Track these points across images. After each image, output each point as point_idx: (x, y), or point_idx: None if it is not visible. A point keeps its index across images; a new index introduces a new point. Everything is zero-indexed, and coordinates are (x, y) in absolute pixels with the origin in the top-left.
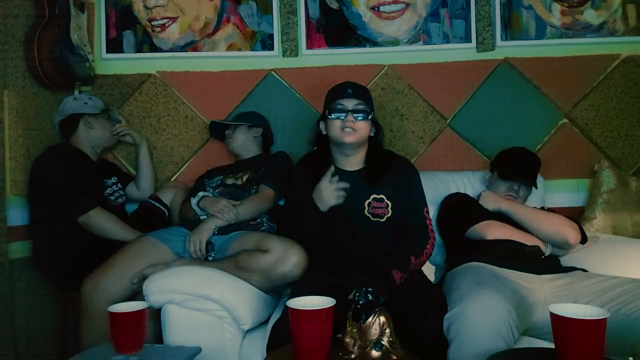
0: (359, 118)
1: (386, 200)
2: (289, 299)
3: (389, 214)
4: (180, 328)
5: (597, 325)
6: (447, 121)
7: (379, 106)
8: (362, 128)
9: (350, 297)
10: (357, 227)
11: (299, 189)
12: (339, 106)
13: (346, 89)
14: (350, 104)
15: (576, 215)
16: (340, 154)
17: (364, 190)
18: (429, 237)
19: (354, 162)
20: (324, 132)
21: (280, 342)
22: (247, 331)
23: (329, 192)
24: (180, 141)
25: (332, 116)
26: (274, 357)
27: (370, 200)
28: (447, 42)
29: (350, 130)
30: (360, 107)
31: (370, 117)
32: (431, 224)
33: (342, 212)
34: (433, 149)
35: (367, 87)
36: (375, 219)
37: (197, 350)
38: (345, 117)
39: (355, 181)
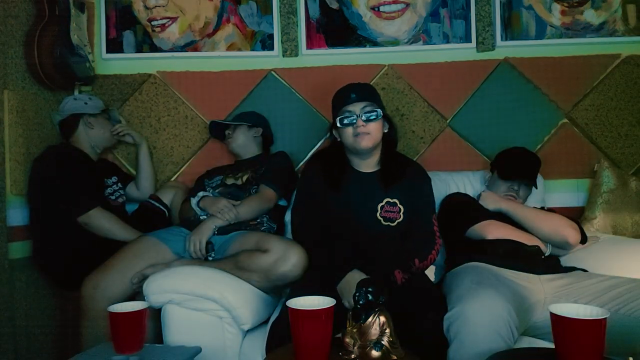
0: (369, 118)
1: (399, 205)
2: (288, 298)
3: (401, 219)
4: (180, 328)
5: (597, 325)
6: (447, 121)
7: None
8: (374, 129)
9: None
10: (367, 229)
11: (313, 187)
12: (347, 113)
13: (350, 94)
14: (357, 108)
15: (576, 215)
16: (355, 157)
17: (378, 193)
18: (435, 242)
19: (369, 164)
20: (338, 139)
21: (279, 341)
22: (247, 331)
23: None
24: (180, 141)
25: (343, 123)
26: (273, 357)
27: (383, 203)
28: (447, 42)
29: (364, 134)
30: (368, 108)
31: (380, 116)
32: (438, 231)
33: (353, 213)
34: (433, 149)
35: None
36: (386, 223)
37: (197, 350)
38: (356, 122)
39: (370, 183)
